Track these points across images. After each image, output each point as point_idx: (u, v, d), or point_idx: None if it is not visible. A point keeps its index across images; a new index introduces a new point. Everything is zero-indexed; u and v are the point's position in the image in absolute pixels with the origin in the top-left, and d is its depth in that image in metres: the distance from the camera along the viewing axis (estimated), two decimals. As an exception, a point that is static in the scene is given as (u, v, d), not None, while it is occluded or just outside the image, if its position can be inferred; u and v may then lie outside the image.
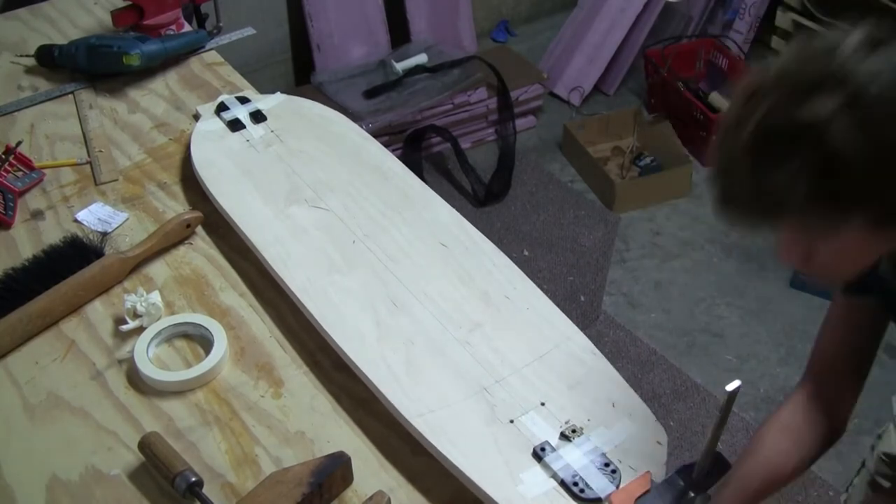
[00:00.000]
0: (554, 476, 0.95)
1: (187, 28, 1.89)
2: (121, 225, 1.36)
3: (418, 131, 3.08)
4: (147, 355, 1.13)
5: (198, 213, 1.33)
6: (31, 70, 1.73)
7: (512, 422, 1.01)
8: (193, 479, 0.96)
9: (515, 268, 1.22)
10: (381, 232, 1.26)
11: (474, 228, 1.28)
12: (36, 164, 1.47)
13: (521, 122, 3.39)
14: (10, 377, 1.12)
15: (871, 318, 1.06)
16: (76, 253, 1.25)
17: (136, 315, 1.18)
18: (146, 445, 0.99)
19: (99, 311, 1.22)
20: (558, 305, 1.16)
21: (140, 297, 1.18)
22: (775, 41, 3.77)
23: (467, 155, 3.08)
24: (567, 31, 3.89)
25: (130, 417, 1.07)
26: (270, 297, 1.23)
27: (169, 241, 1.30)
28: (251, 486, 0.99)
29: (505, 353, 1.09)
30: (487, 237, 1.29)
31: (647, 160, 3.41)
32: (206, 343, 1.16)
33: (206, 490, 0.98)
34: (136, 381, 1.12)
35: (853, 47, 0.75)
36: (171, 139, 1.55)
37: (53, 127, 1.58)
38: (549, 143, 3.59)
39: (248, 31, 1.91)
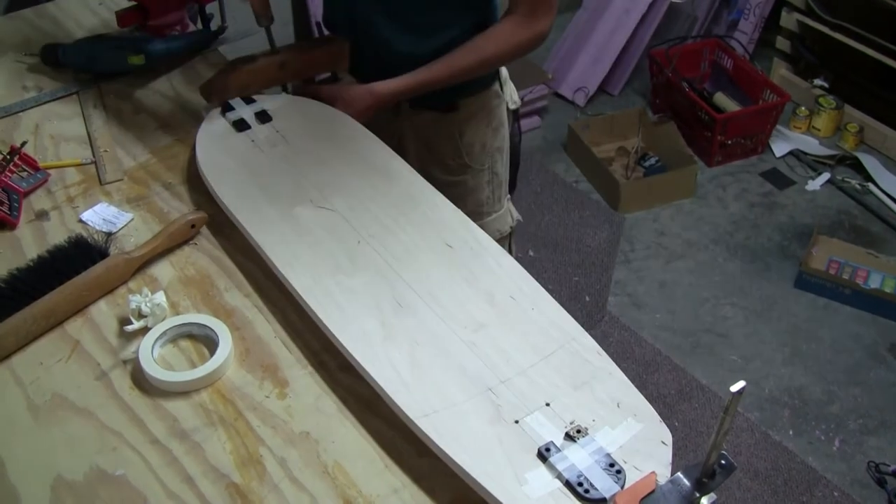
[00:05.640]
0: (559, 476, 0.95)
1: (192, 28, 1.90)
2: (125, 225, 1.36)
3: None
4: (152, 356, 1.13)
5: (202, 214, 1.33)
6: (36, 70, 1.73)
7: (517, 422, 1.01)
8: None
9: (520, 268, 1.22)
10: (387, 233, 1.26)
11: (479, 229, 1.28)
12: (41, 164, 1.47)
13: (525, 123, 3.39)
14: (15, 377, 1.12)
15: None
16: (81, 253, 1.25)
17: (140, 315, 1.18)
18: None
19: (104, 311, 1.22)
20: (563, 306, 1.16)
21: (145, 298, 1.18)
22: (780, 41, 3.77)
23: (472, 155, 3.09)
24: (572, 31, 3.89)
25: (135, 418, 1.07)
26: (275, 297, 1.23)
27: (174, 241, 1.31)
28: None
29: (510, 353, 1.09)
30: (492, 237, 1.29)
31: (652, 160, 3.41)
32: (210, 343, 1.16)
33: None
34: (140, 381, 1.12)
35: None
36: (175, 139, 1.55)
37: (58, 127, 1.59)
38: (554, 144, 3.59)
39: (253, 31, 1.91)
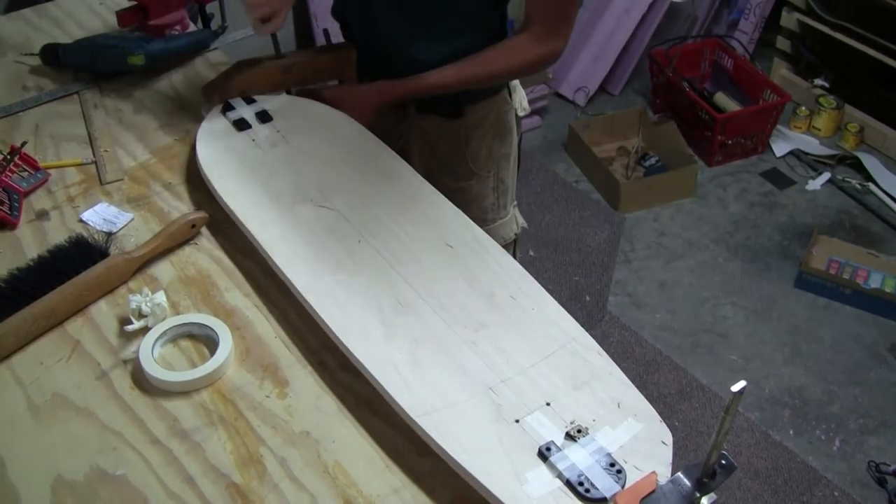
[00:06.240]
0: (559, 476, 0.95)
1: (192, 28, 1.90)
2: (126, 225, 1.36)
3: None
4: (152, 355, 1.13)
5: (203, 214, 1.33)
6: (36, 70, 1.73)
7: (517, 422, 1.01)
8: None
9: (521, 268, 1.22)
10: (387, 232, 1.26)
11: (480, 229, 1.28)
12: (41, 164, 1.47)
13: (526, 123, 3.39)
14: (15, 377, 1.12)
15: None
16: (81, 253, 1.25)
17: (141, 315, 1.18)
18: None
19: (104, 311, 1.22)
20: (563, 305, 1.16)
21: (145, 298, 1.18)
22: (780, 41, 3.77)
23: (472, 155, 3.09)
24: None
25: (135, 418, 1.07)
26: (275, 296, 1.23)
27: (174, 241, 1.31)
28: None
29: (510, 353, 1.09)
30: (492, 237, 1.29)
31: (652, 160, 3.41)
32: (211, 343, 1.16)
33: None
34: (141, 381, 1.12)
35: None
36: (176, 139, 1.55)
37: (58, 127, 1.59)
38: (555, 144, 3.59)
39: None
